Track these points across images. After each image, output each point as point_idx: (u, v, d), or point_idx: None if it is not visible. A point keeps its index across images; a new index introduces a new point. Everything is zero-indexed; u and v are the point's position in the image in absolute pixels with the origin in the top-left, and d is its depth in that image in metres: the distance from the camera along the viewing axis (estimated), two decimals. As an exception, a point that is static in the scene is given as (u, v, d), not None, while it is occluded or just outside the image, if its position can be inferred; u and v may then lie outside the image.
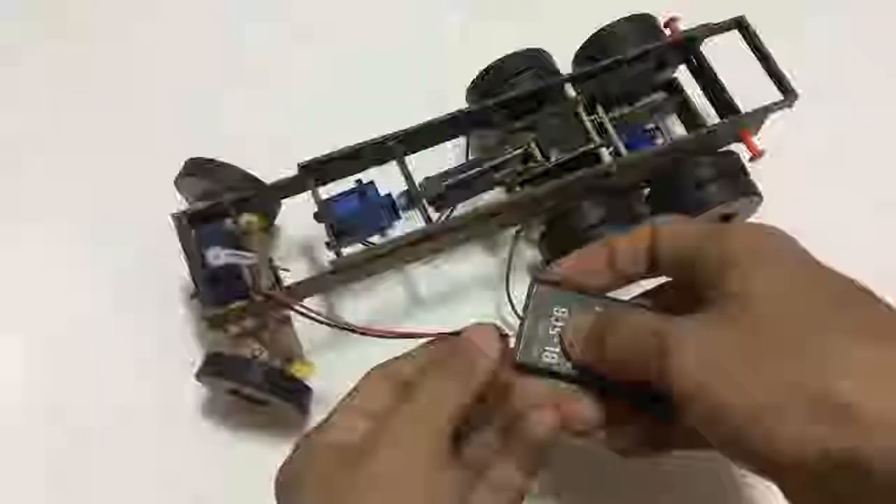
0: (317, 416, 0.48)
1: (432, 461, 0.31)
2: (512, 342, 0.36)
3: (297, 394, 0.46)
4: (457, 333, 0.35)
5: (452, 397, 0.33)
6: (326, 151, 0.46)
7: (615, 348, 0.33)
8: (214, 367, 0.45)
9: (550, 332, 0.36)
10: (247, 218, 0.48)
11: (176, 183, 0.50)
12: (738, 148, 0.52)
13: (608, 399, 0.35)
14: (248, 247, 0.47)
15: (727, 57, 0.51)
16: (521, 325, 0.36)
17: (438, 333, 0.36)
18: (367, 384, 0.35)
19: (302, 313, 0.43)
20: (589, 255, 0.37)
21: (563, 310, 0.36)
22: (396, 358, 0.36)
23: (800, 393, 0.27)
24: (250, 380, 0.44)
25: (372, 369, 0.35)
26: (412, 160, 0.48)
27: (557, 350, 0.35)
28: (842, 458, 0.26)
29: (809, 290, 0.30)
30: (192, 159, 0.49)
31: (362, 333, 0.40)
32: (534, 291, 0.36)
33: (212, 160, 0.49)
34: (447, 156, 0.53)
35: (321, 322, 0.42)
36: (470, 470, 0.33)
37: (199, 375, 0.46)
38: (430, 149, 0.49)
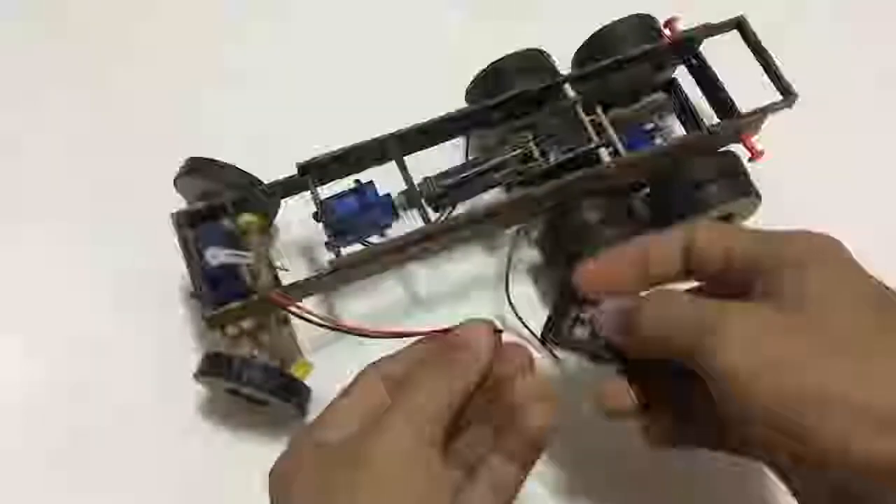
0: (315, 416, 0.48)
1: (425, 458, 0.31)
2: (504, 337, 0.36)
3: (296, 394, 0.46)
4: (449, 330, 0.35)
5: (445, 394, 0.33)
6: (326, 151, 0.46)
7: (656, 325, 0.33)
8: (213, 367, 0.45)
9: (582, 314, 0.37)
10: (246, 218, 0.48)
11: (175, 183, 0.50)
12: (738, 148, 0.52)
13: (637, 380, 0.35)
14: (247, 246, 0.47)
15: (727, 57, 0.51)
16: (554, 304, 0.37)
17: (431, 331, 0.36)
18: (361, 382, 0.35)
19: (298, 315, 0.43)
20: (619, 255, 0.36)
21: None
22: (390, 356, 0.36)
23: (859, 392, 0.27)
24: (249, 380, 0.44)
25: (366, 367, 0.36)
26: (412, 160, 0.48)
27: (588, 329, 0.37)
28: (881, 462, 0.26)
29: (863, 299, 0.30)
30: (191, 159, 0.49)
31: (357, 334, 0.40)
32: (564, 280, 0.37)
33: (211, 160, 0.49)
34: (447, 156, 0.53)
35: (317, 324, 0.43)
36: (463, 466, 0.34)
37: (198, 375, 0.46)
38: (430, 149, 0.49)
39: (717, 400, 0.30)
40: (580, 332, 0.36)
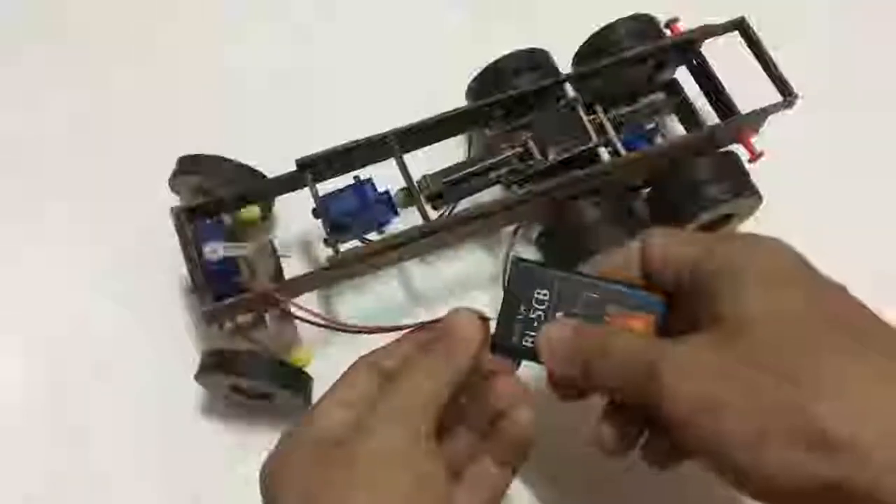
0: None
1: (414, 457, 0.31)
2: (493, 326, 0.35)
3: (299, 382, 0.46)
4: (438, 321, 0.35)
5: (434, 385, 0.33)
6: (325, 148, 0.46)
7: (603, 374, 0.32)
8: (215, 364, 0.45)
9: (531, 315, 0.35)
10: (244, 211, 0.48)
11: (173, 180, 0.50)
12: (738, 149, 0.52)
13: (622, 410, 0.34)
14: (245, 240, 0.47)
15: (727, 58, 0.51)
16: (501, 306, 0.35)
17: (420, 323, 0.37)
18: (351, 376, 0.35)
19: (296, 316, 0.43)
20: None
21: (545, 292, 0.35)
22: (380, 348, 0.36)
23: (793, 420, 0.26)
24: (254, 373, 0.44)
25: (356, 361, 0.35)
26: (411, 158, 0.48)
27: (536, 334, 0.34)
28: (832, 485, 0.26)
29: (805, 310, 0.29)
30: (189, 156, 0.49)
31: (351, 331, 0.41)
32: (513, 271, 0.35)
33: (207, 156, 0.49)
34: (446, 154, 0.53)
35: (314, 323, 0.43)
36: (449, 469, 0.33)
37: (199, 374, 0.46)
38: (429, 147, 0.49)
39: (676, 441, 0.30)
40: (529, 343, 0.34)
